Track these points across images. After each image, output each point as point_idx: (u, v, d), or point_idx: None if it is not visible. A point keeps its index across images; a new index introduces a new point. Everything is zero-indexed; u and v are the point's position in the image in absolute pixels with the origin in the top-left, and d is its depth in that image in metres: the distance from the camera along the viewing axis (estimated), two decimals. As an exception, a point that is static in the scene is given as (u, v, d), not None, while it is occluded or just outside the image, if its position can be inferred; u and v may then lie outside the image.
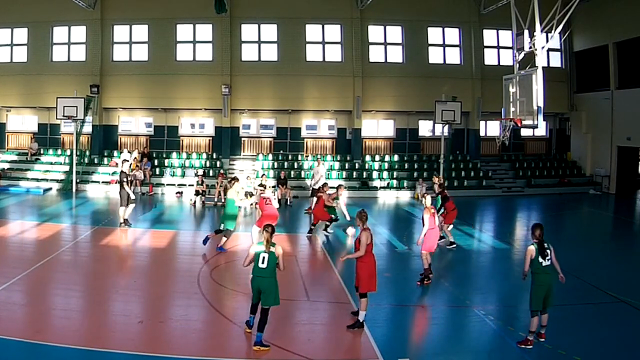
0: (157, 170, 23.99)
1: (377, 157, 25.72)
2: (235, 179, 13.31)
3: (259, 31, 25.38)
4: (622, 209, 21.95)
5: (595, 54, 25.08)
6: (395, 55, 25.79)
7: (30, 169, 23.88)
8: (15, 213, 17.43)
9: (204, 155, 25.45)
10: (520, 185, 24.82)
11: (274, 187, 19.88)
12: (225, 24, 24.66)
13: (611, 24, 23.61)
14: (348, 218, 14.48)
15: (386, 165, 25.23)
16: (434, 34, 25.87)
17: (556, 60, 26.97)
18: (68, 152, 24.39)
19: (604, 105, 24.40)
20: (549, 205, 21.91)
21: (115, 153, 24.93)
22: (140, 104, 25.50)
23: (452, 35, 25.92)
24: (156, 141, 26.13)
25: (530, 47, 14.95)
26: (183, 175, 23.69)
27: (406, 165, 25.33)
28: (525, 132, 26.56)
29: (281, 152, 25.91)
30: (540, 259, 7.47)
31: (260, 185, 16.41)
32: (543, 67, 14.54)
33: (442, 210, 13.24)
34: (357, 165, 25.06)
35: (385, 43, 25.74)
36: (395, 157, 25.85)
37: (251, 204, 16.16)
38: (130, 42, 25.23)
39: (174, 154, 25.44)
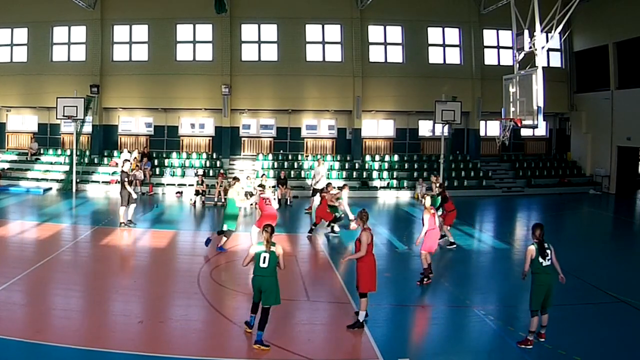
0: (157, 170, 23.99)
1: (377, 157, 25.72)
2: (236, 179, 13.32)
3: (259, 31, 25.39)
4: (622, 209, 21.95)
5: (595, 54, 25.08)
6: (395, 55, 25.79)
7: (30, 169, 23.88)
8: (15, 213, 17.43)
9: (204, 155, 25.45)
10: (520, 185, 24.82)
11: (273, 187, 19.87)
12: (225, 24, 24.67)
13: (611, 24, 23.61)
14: (351, 217, 14.48)
15: (386, 165, 25.24)
16: (434, 34, 25.87)
17: (556, 60, 26.97)
18: (68, 152, 24.39)
19: (604, 105, 24.40)
20: (549, 205, 21.90)
21: (115, 153, 24.94)
22: (140, 104, 25.51)
23: (452, 35, 25.92)
24: (156, 141, 26.13)
25: (530, 47, 14.94)
26: (183, 175, 23.70)
27: (406, 165, 25.33)
28: (525, 132, 26.56)
29: (281, 152, 25.92)
30: (541, 259, 7.47)
31: (260, 185, 16.41)
32: (543, 67, 14.53)
33: (440, 211, 13.22)
34: (357, 165, 25.06)
35: (385, 43, 25.74)
36: (395, 157, 25.85)
37: (251, 204, 16.16)
38: (130, 42, 25.23)
39: (174, 154, 25.44)
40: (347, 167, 24.96)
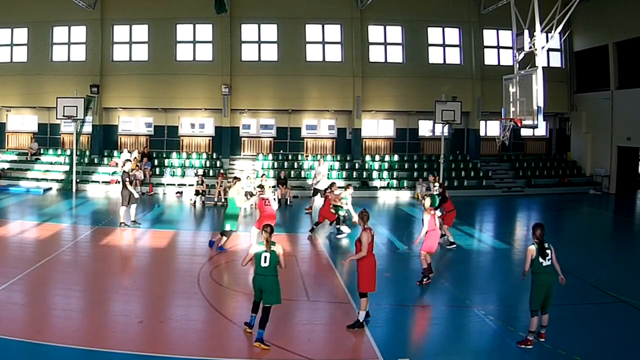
0: (157, 170, 23.99)
1: (377, 157, 25.72)
2: (237, 179, 13.32)
3: (259, 31, 25.38)
4: (622, 209, 21.94)
5: (595, 54, 25.08)
6: (395, 55, 25.79)
7: (30, 169, 23.88)
8: (15, 213, 17.43)
9: (204, 155, 25.45)
10: (520, 185, 24.82)
11: (273, 187, 19.86)
12: (225, 24, 24.67)
13: (611, 24, 23.60)
14: (355, 217, 14.43)
15: (386, 165, 25.23)
16: (434, 34, 25.86)
17: (556, 60, 26.96)
18: (68, 152, 24.39)
19: (604, 105, 24.39)
20: (549, 205, 21.90)
21: (115, 153, 24.94)
22: (140, 104, 25.50)
23: (452, 35, 25.92)
24: (156, 141, 26.13)
25: (530, 47, 14.93)
26: (183, 175, 23.69)
27: (406, 165, 25.33)
28: (525, 132, 26.56)
29: (281, 152, 25.91)
30: (541, 259, 7.47)
31: (259, 186, 16.39)
32: (543, 67, 14.52)
33: (439, 211, 13.19)
34: (357, 165, 25.06)
35: (385, 43, 25.74)
36: (395, 157, 25.85)
37: (251, 204, 16.15)
38: (130, 42, 25.23)
39: (174, 154, 25.43)
40: (347, 167, 24.96)
